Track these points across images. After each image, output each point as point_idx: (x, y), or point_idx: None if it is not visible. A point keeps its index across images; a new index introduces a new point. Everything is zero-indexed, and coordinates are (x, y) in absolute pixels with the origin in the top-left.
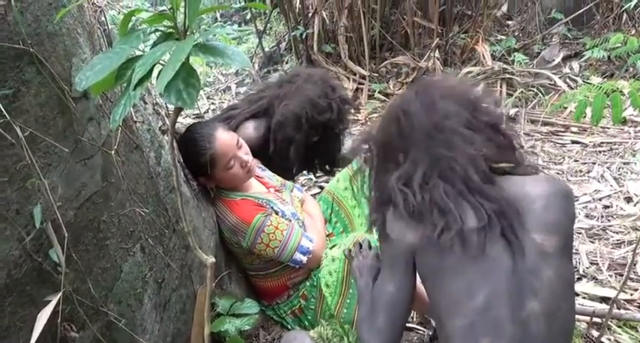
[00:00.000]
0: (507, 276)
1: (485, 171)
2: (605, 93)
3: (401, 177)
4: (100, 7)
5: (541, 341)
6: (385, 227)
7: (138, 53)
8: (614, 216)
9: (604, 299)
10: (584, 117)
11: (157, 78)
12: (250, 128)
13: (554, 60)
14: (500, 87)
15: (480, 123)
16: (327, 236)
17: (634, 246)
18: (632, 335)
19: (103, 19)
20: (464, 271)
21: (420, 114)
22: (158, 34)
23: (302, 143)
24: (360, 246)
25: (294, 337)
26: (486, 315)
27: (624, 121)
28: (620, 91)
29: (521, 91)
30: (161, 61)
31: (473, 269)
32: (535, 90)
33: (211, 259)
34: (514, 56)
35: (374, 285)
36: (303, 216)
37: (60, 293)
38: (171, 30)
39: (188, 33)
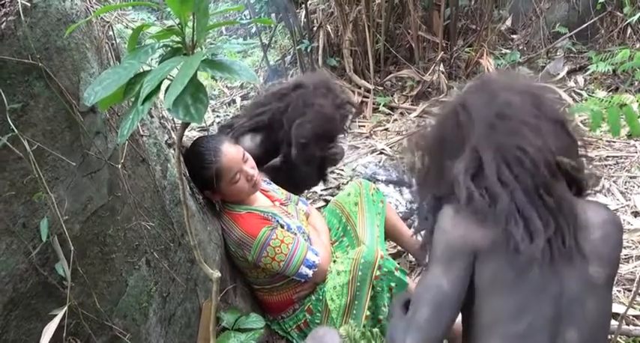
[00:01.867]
0: (554, 302)
1: (552, 165)
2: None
3: (467, 170)
4: (108, 22)
5: None
6: (442, 220)
7: (146, 68)
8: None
9: (613, 315)
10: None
11: (165, 93)
12: (248, 141)
13: (558, 74)
14: None
15: (545, 116)
16: (331, 244)
17: None
18: None
19: (110, 33)
20: (516, 290)
21: (480, 106)
22: (166, 49)
23: (321, 158)
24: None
25: (323, 333)
26: (525, 341)
27: (630, 135)
28: (628, 105)
29: None
30: (169, 76)
31: (525, 289)
32: None
33: (217, 273)
34: (519, 70)
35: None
36: (309, 230)
37: (65, 307)
38: (179, 45)
39: (196, 48)
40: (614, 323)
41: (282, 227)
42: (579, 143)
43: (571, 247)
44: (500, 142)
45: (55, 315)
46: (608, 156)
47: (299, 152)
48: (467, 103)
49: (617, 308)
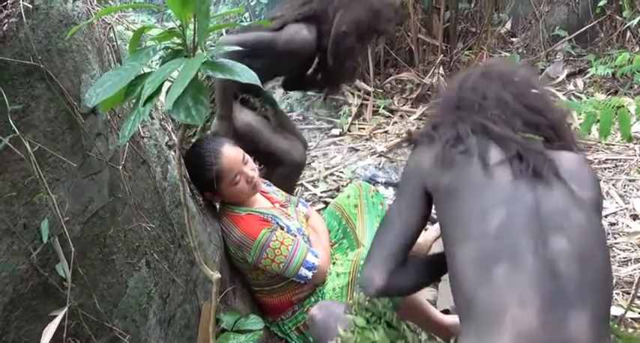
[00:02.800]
0: (529, 210)
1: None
2: (612, 108)
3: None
4: (109, 23)
5: (574, 284)
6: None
7: (147, 70)
8: (620, 234)
9: (611, 318)
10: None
11: (166, 94)
12: (294, 29)
13: (558, 77)
14: None
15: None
16: (330, 246)
17: None
18: None
19: (112, 35)
20: (478, 196)
21: (482, 86)
22: (167, 51)
23: (360, 53)
24: None
25: (330, 302)
26: (500, 242)
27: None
28: (625, 107)
29: None
30: (170, 78)
31: (489, 196)
32: None
33: (217, 275)
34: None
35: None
36: (308, 232)
37: (66, 308)
38: (180, 47)
39: (197, 50)
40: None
41: (281, 229)
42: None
43: (541, 170)
44: (481, 116)
45: (56, 316)
46: (607, 159)
47: (338, 41)
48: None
49: (615, 310)
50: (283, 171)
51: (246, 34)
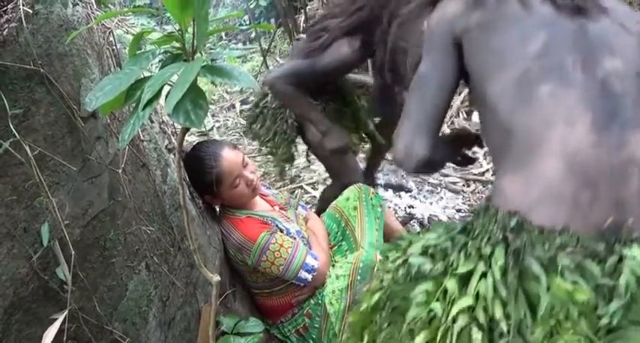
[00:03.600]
0: (574, 33)
1: None
2: None
3: None
4: (109, 28)
5: (632, 103)
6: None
7: (146, 74)
8: None
9: None
10: None
11: (166, 98)
12: (344, 46)
13: None
14: None
15: None
16: (330, 248)
17: None
18: None
19: (111, 39)
20: (516, 25)
21: None
22: (166, 55)
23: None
24: None
25: None
26: (544, 60)
27: None
28: None
29: None
30: (169, 82)
31: (529, 23)
32: None
33: (216, 277)
34: None
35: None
36: (308, 234)
37: (66, 312)
38: (179, 51)
39: (196, 54)
40: None
41: (281, 231)
42: None
43: (584, 4)
44: None
45: (56, 319)
46: None
47: (396, 57)
48: None
49: None
50: (333, 190)
51: (284, 67)
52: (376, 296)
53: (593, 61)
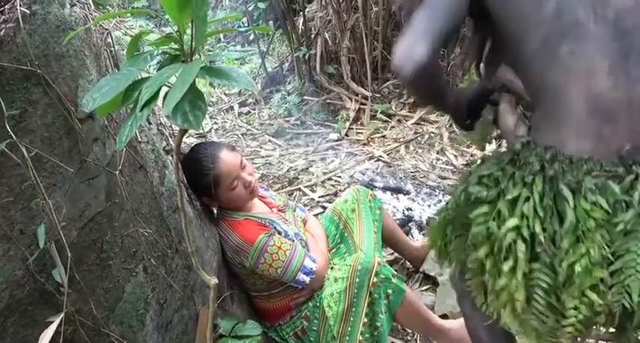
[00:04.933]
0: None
1: None
2: None
3: None
4: (106, 29)
5: None
6: None
7: (144, 75)
8: None
9: None
10: None
11: (164, 100)
12: None
13: None
14: None
15: None
16: (328, 251)
17: None
18: None
19: (109, 40)
20: None
21: None
22: (164, 56)
23: None
24: None
25: None
26: (560, 21)
27: None
28: None
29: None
30: (167, 83)
31: None
32: None
33: (214, 280)
34: None
35: None
36: (306, 236)
37: (62, 314)
38: (177, 52)
39: (194, 55)
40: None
41: (279, 233)
42: None
43: None
44: None
45: (52, 322)
46: None
47: None
48: None
49: None
50: None
51: None
52: (442, 215)
53: (603, 4)
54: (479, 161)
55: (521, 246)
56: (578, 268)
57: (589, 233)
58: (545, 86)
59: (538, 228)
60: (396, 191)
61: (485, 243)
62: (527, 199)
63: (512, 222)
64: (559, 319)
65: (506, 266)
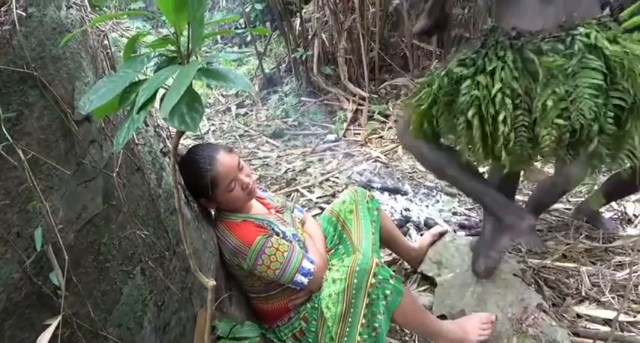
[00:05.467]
0: None
1: None
2: None
3: None
4: (103, 31)
5: None
6: None
7: (141, 77)
8: (615, 238)
9: (607, 322)
10: None
11: (161, 101)
12: None
13: None
14: None
15: None
16: (326, 252)
17: (635, 267)
18: None
19: (105, 42)
20: None
21: None
22: (161, 58)
23: None
24: None
25: None
26: None
27: None
28: None
29: None
30: (164, 85)
31: None
32: None
33: (212, 282)
34: None
35: None
36: (304, 237)
37: (59, 317)
38: (174, 54)
39: (191, 57)
40: (607, 329)
41: (277, 235)
42: None
43: None
44: None
45: (49, 325)
46: None
47: None
48: None
49: (611, 314)
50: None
51: None
52: (431, 98)
53: None
54: (455, 52)
55: (508, 101)
56: (549, 103)
57: (552, 79)
58: None
59: (516, 85)
60: (394, 192)
61: (472, 106)
62: (503, 68)
63: (497, 85)
64: (535, 146)
65: (500, 117)
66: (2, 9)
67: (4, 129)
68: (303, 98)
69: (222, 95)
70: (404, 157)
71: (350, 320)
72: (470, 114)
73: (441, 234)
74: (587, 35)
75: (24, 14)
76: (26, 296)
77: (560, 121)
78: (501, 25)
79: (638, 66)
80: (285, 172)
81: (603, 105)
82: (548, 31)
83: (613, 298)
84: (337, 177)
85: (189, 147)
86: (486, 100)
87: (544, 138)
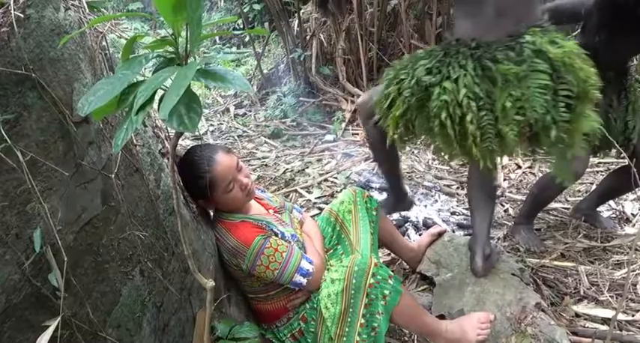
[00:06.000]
0: None
1: None
2: None
3: None
4: (101, 32)
5: None
6: None
7: (140, 78)
8: (613, 237)
9: (605, 321)
10: None
11: (159, 103)
12: None
13: None
14: None
15: None
16: (325, 252)
17: (633, 266)
18: None
19: (104, 44)
20: None
21: None
22: (160, 59)
23: None
24: None
25: None
26: None
27: None
28: None
29: None
30: (163, 86)
31: None
32: None
33: (211, 282)
34: None
35: None
36: (303, 238)
37: (59, 318)
38: (172, 55)
39: (190, 58)
40: (605, 328)
41: (276, 235)
42: None
43: None
44: None
45: (48, 326)
46: (599, 163)
47: None
48: None
49: (609, 313)
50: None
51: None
52: (404, 105)
53: None
54: (418, 54)
55: (472, 103)
56: (507, 104)
57: (508, 83)
58: None
59: (478, 90)
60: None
61: (443, 109)
62: (465, 75)
63: (462, 91)
64: (501, 141)
65: (468, 118)
66: (0, 10)
67: (2, 131)
68: (301, 98)
69: (220, 96)
70: (402, 157)
71: (349, 320)
72: (443, 116)
73: (440, 234)
74: (534, 42)
75: (22, 16)
76: (25, 297)
77: (519, 118)
78: (461, 36)
79: (575, 61)
80: (284, 173)
81: (553, 99)
82: (501, 41)
83: (611, 297)
84: (336, 178)
85: (188, 147)
86: (454, 103)
87: (507, 133)
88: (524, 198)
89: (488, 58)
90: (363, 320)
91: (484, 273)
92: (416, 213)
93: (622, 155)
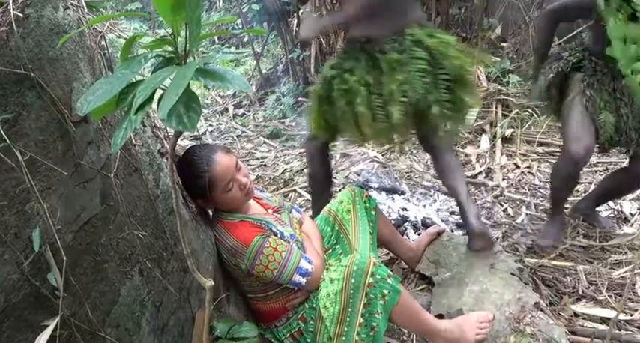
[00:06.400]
0: None
1: None
2: None
3: None
4: (100, 32)
5: None
6: None
7: (138, 78)
8: (612, 236)
9: (604, 320)
10: None
11: (158, 102)
12: None
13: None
14: (496, 108)
15: None
16: (324, 252)
17: (632, 265)
18: None
19: (103, 43)
20: None
21: None
22: (159, 59)
23: None
24: None
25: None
26: None
27: None
28: None
29: (517, 112)
30: (162, 86)
31: None
32: (530, 111)
33: (210, 282)
34: (509, 77)
35: None
36: (302, 237)
37: (58, 318)
38: (171, 55)
39: (189, 58)
40: (604, 327)
41: (275, 235)
42: None
43: None
44: None
45: (47, 326)
46: (597, 162)
47: None
48: None
49: (608, 312)
50: (557, 164)
51: None
52: (317, 100)
53: None
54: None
55: (362, 89)
56: (393, 88)
57: (393, 70)
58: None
59: (368, 77)
60: (391, 191)
61: (343, 95)
62: (359, 66)
63: (353, 78)
64: (391, 120)
65: (358, 100)
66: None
67: (1, 131)
68: (300, 98)
69: (219, 96)
70: (401, 157)
71: (348, 319)
72: (342, 102)
73: (439, 234)
74: (413, 35)
75: (21, 15)
76: (24, 297)
77: (403, 99)
78: (355, 33)
79: (449, 50)
80: (283, 172)
81: (434, 82)
82: (388, 37)
83: (610, 296)
84: (335, 177)
85: (187, 147)
86: (350, 91)
87: (394, 113)
88: (522, 197)
89: (378, 50)
90: (362, 320)
91: (482, 233)
92: (415, 213)
93: (627, 150)
